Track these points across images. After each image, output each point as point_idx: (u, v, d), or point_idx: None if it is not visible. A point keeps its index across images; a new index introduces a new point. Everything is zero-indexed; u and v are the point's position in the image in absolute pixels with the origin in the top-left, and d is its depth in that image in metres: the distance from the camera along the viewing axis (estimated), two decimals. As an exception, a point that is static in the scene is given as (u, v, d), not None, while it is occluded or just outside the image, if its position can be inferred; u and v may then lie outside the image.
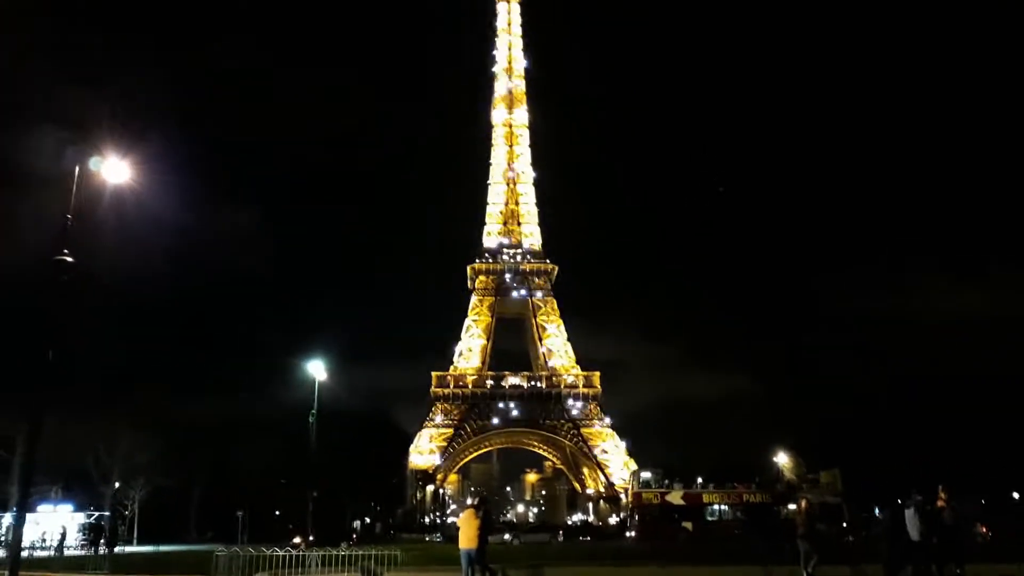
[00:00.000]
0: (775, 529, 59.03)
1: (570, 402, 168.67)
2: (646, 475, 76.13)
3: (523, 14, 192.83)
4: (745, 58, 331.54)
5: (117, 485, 72.76)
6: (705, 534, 64.15)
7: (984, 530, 59.91)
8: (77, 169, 23.61)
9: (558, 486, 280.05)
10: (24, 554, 28.50)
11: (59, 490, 61.91)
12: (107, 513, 60.42)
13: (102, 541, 50.03)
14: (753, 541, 51.58)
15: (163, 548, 59.99)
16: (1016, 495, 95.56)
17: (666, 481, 73.68)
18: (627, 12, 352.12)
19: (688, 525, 66.65)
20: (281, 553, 27.25)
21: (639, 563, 32.55)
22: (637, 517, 73.02)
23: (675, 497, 69.78)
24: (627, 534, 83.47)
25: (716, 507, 69.35)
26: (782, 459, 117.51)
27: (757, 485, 74.04)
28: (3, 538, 43.41)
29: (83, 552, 48.51)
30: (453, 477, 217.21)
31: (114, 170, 24.28)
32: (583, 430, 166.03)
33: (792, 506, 65.72)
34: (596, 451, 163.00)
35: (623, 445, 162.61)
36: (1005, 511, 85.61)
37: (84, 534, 51.45)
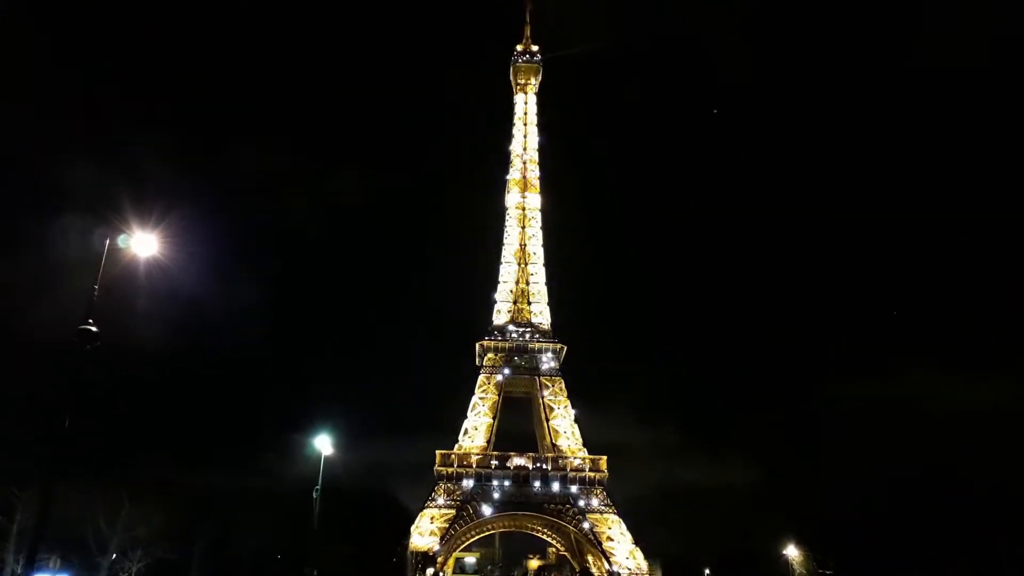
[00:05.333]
0: None
1: (576, 486, 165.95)
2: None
3: (539, 103, 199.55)
4: (748, 141, 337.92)
5: (114, 556, 71.72)
6: None
7: None
8: (107, 243, 24.89)
9: (561, 574, 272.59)
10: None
11: (57, 560, 61.06)
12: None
13: None
14: None
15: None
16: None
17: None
18: (640, 107, 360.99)
19: None
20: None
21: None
22: None
23: None
24: None
25: None
26: (792, 552, 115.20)
27: None
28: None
29: None
30: (453, 561, 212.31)
31: (142, 245, 25.50)
32: (589, 516, 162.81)
33: None
34: (602, 538, 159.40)
35: (628, 534, 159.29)
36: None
37: None
